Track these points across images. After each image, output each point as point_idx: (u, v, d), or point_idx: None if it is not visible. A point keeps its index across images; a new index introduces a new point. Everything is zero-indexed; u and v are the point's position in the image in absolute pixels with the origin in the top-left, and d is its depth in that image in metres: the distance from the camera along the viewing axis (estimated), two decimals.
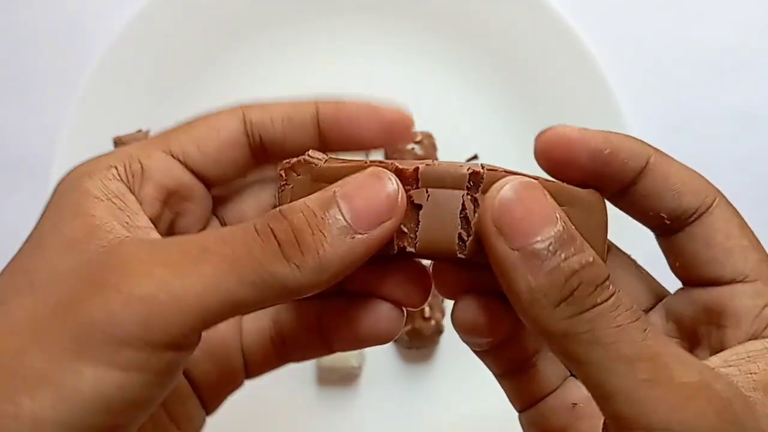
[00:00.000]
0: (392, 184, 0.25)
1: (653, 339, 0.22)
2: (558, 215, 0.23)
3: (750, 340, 0.25)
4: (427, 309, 0.56)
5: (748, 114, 0.61)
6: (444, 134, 0.60)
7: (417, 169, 0.26)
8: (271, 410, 0.58)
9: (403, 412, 0.58)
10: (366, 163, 0.26)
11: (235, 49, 0.60)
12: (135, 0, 0.58)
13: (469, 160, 0.61)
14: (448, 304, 0.58)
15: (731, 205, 0.28)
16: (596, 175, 0.27)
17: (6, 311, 0.23)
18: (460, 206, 0.25)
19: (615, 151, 0.27)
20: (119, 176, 0.26)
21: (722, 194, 0.28)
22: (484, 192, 0.25)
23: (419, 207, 0.25)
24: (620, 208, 0.29)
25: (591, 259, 0.22)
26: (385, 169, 0.25)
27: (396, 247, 0.25)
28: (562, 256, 0.22)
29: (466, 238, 0.25)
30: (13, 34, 0.61)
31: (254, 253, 0.22)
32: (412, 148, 0.58)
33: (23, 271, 0.24)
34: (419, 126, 0.59)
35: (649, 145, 0.28)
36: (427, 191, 0.26)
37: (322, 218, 0.23)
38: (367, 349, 0.59)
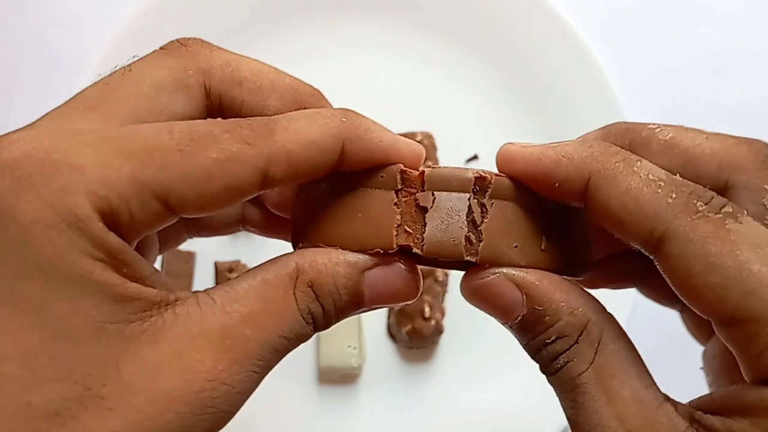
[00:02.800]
0: (411, 277, 0.27)
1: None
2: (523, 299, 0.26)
3: (753, 383, 0.23)
4: (427, 309, 0.56)
5: (748, 114, 0.61)
6: (444, 134, 0.60)
7: (423, 172, 0.26)
8: (271, 410, 0.58)
9: (403, 412, 0.58)
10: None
11: (234, 49, 0.60)
12: (135, 0, 0.59)
13: (469, 160, 0.61)
14: (448, 304, 0.58)
15: (699, 226, 0.23)
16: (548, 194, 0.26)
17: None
18: (467, 209, 0.26)
19: (548, 174, 0.25)
20: (109, 224, 0.22)
21: (689, 213, 0.23)
22: (492, 197, 0.26)
23: (425, 210, 0.26)
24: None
25: (553, 338, 0.25)
26: (414, 273, 0.27)
27: (398, 246, 0.26)
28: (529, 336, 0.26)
29: (474, 241, 0.25)
30: (13, 34, 0.61)
31: (302, 337, 0.25)
32: None
33: (65, 370, 0.21)
34: (419, 126, 0.59)
35: (600, 159, 0.25)
36: (432, 194, 0.26)
37: (347, 303, 0.26)
38: (367, 349, 0.59)
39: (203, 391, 0.22)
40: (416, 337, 0.57)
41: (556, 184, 0.25)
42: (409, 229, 0.26)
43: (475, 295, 0.26)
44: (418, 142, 0.58)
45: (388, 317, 0.59)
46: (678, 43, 0.62)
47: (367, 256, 0.26)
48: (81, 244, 0.21)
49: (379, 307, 0.27)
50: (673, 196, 0.24)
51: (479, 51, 0.61)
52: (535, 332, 0.26)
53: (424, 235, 0.25)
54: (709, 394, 0.25)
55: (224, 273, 0.59)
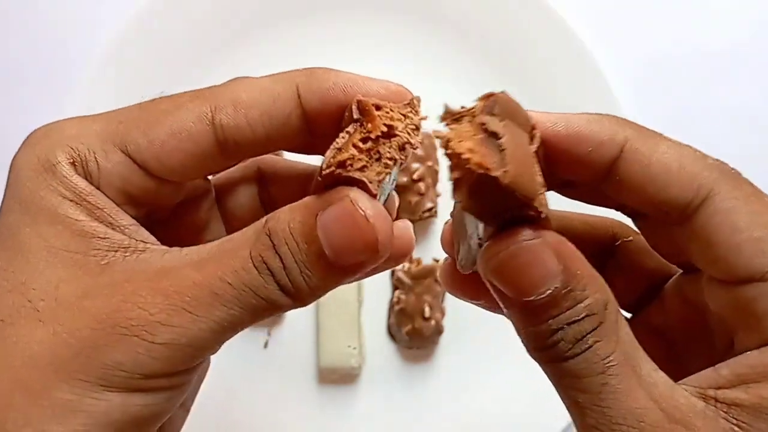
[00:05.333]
0: (366, 221, 0.24)
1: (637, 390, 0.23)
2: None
3: (764, 346, 0.23)
4: (427, 309, 0.56)
5: (747, 114, 0.61)
6: None
7: (379, 105, 0.25)
8: (271, 410, 0.58)
9: (403, 412, 0.58)
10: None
11: (235, 48, 0.60)
12: (135, 0, 0.59)
13: None
14: (448, 304, 0.58)
15: (741, 186, 0.24)
16: (565, 166, 0.25)
17: (16, 337, 0.23)
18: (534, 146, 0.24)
19: (577, 140, 0.24)
20: (80, 172, 0.25)
21: (728, 175, 0.24)
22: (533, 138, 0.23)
23: (495, 135, 0.22)
24: (595, 204, 0.28)
25: (582, 315, 0.23)
26: (355, 200, 0.24)
27: (330, 166, 0.23)
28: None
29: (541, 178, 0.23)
30: (13, 34, 0.61)
31: (255, 289, 0.24)
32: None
33: (16, 284, 0.24)
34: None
35: (629, 125, 0.25)
36: (386, 126, 0.25)
37: (307, 255, 0.24)
38: (367, 349, 0.59)
39: (117, 311, 0.23)
40: (416, 337, 0.57)
41: (589, 149, 0.24)
42: (358, 156, 0.24)
43: (505, 265, 0.23)
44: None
45: (388, 317, 0.59)
46: (678, 44, 0.62)
47: (322, 199, 0.24)
48: (53, 185, 0.25)
49: (355, 265, 0.24)
50: (710, 160, 0.24)
51: (480, 51, 0.61)
52: (560, 310, 0.23)
53: (505, 161, 0.21)
54: (710, 371, 0.24)
55: None
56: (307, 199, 0.25)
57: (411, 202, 0.57)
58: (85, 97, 0.58)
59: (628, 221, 0.29)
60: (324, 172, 0.23)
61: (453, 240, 0.29)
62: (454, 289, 0.30)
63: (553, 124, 0.25)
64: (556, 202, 0.26)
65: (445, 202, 0.59)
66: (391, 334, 0.59)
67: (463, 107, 0.24)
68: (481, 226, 0.24)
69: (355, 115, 0.24)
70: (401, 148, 0.25)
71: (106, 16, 0.61)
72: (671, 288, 0.29)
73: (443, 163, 0.59)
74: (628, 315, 0.31)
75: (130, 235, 0.25)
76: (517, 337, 0.25)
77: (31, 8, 0.62)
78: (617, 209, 0.28)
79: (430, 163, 0.58)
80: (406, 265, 0.58)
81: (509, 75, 0.60)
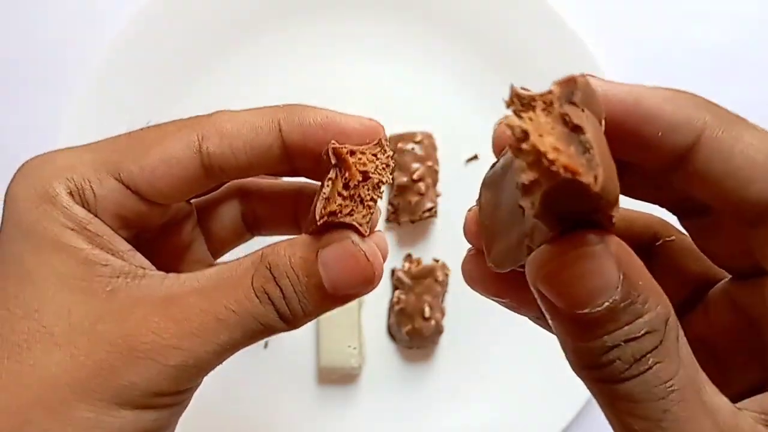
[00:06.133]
0: (366, 260, 0.27)
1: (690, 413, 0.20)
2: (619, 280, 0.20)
3: None
4: (427, 309, 0.56)
5: (747, 114, 0.61)
6: (444, 134, 0.60)
7: (352, 151, 0.27)
8: (271, 410, 0.58)
9: (402, 412, 0.58)
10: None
11: (236, 50, 0.60)
12: (134, 0, 0.59)
13: (469, 160, 0.61)
14: (448, 304, 0.58)
15: None
16: (630, 148, 0.21)
17: (33, 360, 0.25)
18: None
19: (648, 120, 0.21)
20: (78, 201, 0.27)
21: None
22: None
23: (579, 130, 0.18)
24: (639, 198, 0.25)
25: (642, 332, 0.20)
26: (357, 243, 0.27)
27: (323, 218, 0.26)
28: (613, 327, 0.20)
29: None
30: (13, 34, 0.61)
31: (257, 316, 0.27)
32: (412, 149, 0.58)
33: (29, 310, 0.25)
34: (419, 126, 0.59)
35: (710, 108, 0.21)
36: (360, 173, 0.27)
37: (307, 286, 0.27)
38: (367, 349, 0.59)
39: (131, 336, 0.25)
40: (416, 337, 0.57)
41: (659, 133, 0.21)
42: (345, 203, 0.26)
43: (562, 274, 0.20)
44: (418, 142, 0.59)
45: (388, 317, 0.59)
46: (677, 42, 0.62)
47: (322, 239, 0.27)
48: (53, 215, 0.26)
49: (349, 295, 0.27)
50: None
51: (480, 51, 0.61)
52: (617, 325, 0.20)
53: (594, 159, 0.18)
54: (763, 396, 0.22)
55: None
56: (304, 237, 0.27)
57: (411, 202, 0.57)
58: (86, 96, 0.58)
59: (672, 219, 0.26)
60: (319, 223, 0.26)
61: (480, 232, 0.26)
62: (478, 284, 0.28)
63: (622, 98, 0.21)
64: None
65: (445, 202, 0.59)
66: (391, 334, 0.59)
67: (524, 90, 0.20)
68: (531, 224, 0.21)
69: (333, 161, 0.26)
70: (376, 187, 0.27)
71: (106, 15, 0.61)
72: (718, 294, 0.26)
73: (443, 163, 0.59)
74: None
75: (129, 261, 0.27)
76: (563, 351, 0.22)
77: (31, 8, 0.62)
78: (663, 205, 0.25)
79: (430, 163, 0.58)
80: (407, 264, 0.58)
81: (508, 74, 0.60)
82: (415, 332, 0.57)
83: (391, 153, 0.28)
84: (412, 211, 0.57)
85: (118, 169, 0.27)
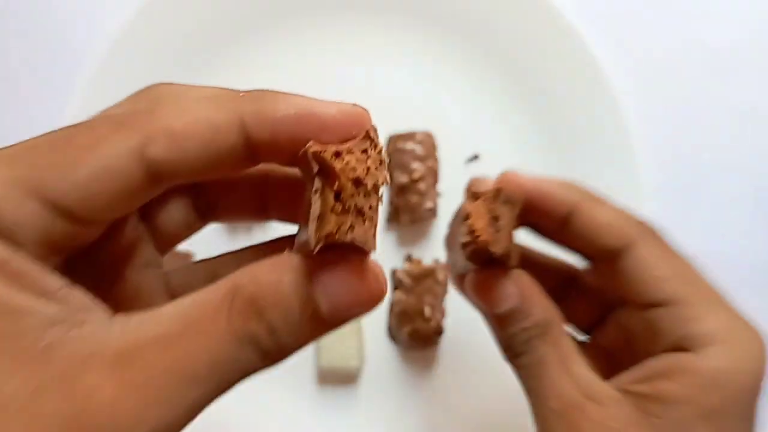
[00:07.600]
0: (373, 279, 0.23)
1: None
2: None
3: (662, 353, 0.32)
4: (427, 310, 0.56)
5: (749, 114, 0.61)
6: (444, 134, 0.60)
7: (337, 152, 0.22)
8: (271, 410, 0.58)
9: (403, 412, 0.58)
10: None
11: (234, 50, 0.60)
12: (135, 0, 0.59)
13: (469, 160, 0.61)
14: (448, 305, 0.58)
15: (655, 239, 0.33)
16: (534, 216, 0.34)
17: None
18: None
19: (542, 198, 0.34)
20: None
21: (647, 231, 0.33)
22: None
23: (497, 219, 0.31)
24: (557, 243, 0.36)
25: (528, 325, 0.33)
26: (366, 262, 0.23)
27: (321, 242, 0.22)
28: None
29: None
30: (12, 34, 0.61)
31: (234, 362, 0.22)
32: (413, 149, 0.58)
33: None
34: (419, 126, 0.59)
35: (581, 191, 0.34)
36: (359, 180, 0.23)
37: (300, 315, 0.22)
38: (367, 350, 0.59)
39: (84, 413, 0.20)
40: (416, 338, 0.57)
41: (552, 206, 0.34)
42: (341, 219, 0.21)
43: (483, 288, 0.33)
44: (418, 142, 0.58)
45: (389, 318, 0.59)
46: (680, 43, 0.62)
47: (317, 260, 0.22)
48: None
49: (344, 321, 0.23)
50: (635, 219, 0.34)
51: (480, 51, 0.61)
52: (516, 321, 0.33)
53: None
54: (626, 372, 0.32)
55: None
56: (290, 258, 0.23)
57: (411, 202, 0.57)
58: (85, 97, 0.58)
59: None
60: (316, 248, 0.22)
61: (447, 245, 0.39)
62: (457, 285, 0.38)
63: (531, 188, 0.34)
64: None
65: (445, 202, 0.59)
66: (392, 334, 0.59)
67: (478, 180, 0.36)
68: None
69: (315, 168, 0.22)
70: (373, 191, 0.22)
71: (106, 15, 0.61)
72: (614, 315, 0.37)
73: (444, 163, 0.59)
74: (585, 337, 0.40)
75: (64, 302, 0.21)
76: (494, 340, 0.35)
77: (31, 8, 0.62)
78: (572, 252, 0.37)
79: (430, 163, 0.58)
80: (407, 265, 0.58)
81: (509, 74, 0.60)
82: (415, 333, 0.56)
83: (382, 146, 0.23)
84: (412, 211, 0.57)
85: (42, 186, 0.21)
